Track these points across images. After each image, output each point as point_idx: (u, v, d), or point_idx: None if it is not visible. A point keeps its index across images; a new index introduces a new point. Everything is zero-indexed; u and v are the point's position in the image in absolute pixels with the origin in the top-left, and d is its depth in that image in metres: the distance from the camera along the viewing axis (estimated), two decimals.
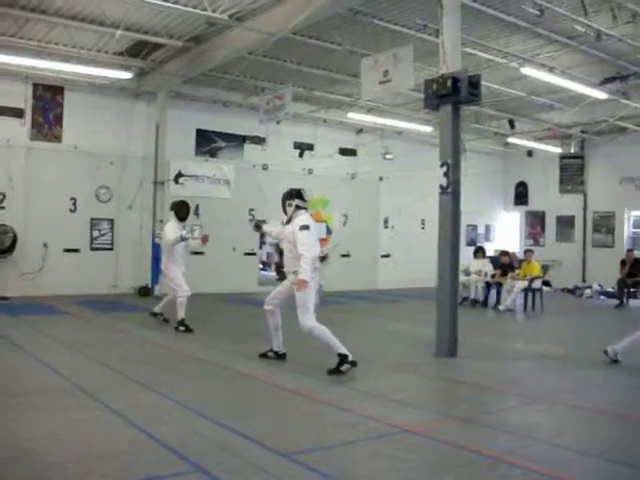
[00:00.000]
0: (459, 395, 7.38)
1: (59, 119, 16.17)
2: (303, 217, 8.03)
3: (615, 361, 8.64)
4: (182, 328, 10.82)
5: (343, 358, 7.70)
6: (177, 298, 10.92)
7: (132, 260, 17.14)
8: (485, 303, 16.40)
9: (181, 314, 10.87)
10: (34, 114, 15.86)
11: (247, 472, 4.41)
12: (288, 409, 6.30)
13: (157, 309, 11.68)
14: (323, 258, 8.39)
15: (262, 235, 9.14)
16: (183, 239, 10.94)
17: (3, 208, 15.40)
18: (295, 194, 8.24)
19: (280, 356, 8.57)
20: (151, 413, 5.83)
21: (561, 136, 22.83)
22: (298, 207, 8.15)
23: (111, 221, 17.04)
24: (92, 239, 16.80)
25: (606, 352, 8.68)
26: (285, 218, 8.29)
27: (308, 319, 7.74)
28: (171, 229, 11.01)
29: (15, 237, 15.20)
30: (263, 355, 8.64)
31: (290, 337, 8.55)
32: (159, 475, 4.33)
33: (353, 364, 7.73)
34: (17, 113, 15.61)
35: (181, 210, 11.25)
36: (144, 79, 16.54)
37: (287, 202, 8.23)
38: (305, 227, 7.82)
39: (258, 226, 9.05)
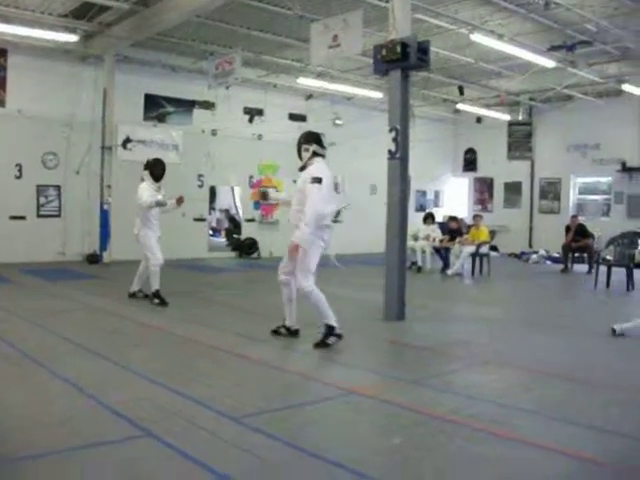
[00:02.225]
0: (406, 358, 7.50)
1: (2, 83, 15.75)
2: (317, 167, 7.31)
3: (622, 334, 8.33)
4: (156, 301, 10.21)
5: (330, 330, 7.35)
6: (150, 267, 10.26)
7: (80, 227, 16.90)
8: (444, 266, 16.50)
9: (155, 285, 10.23)
10: None
11: (197, 436, 4.44)
12: (236, 373, 6.32)
13: (134, 287, 10.84)
14: (337, 215, 7.70)
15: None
16: (159, 204, 10.21)
17: None
18: (314, 138, 7.50)
19: (293, 332, 7.89)
20: (100, 380, 5.81)
21: (509, 103, 23.06)
22: (315, 154, 7.41)
23: (58, 187, 16.75)
24: (39, 206, 16.50)
25: (614, 331, 8.35)
26: (301, 164, 7.53)
27: (306, 281, 7.26)
28: (145, 190, 10.19)
29: None
30: (275, 332, 7.96)
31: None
32: (108, 441, 4.34)
33: (339, 337, 7.38)
34: None
35: (156, 168, 10.42)
36: (90, 42, 16.17)
37: (303, 146, 7.44)
38: (317, 180, 7.08)
39: (264, 195, 8.66)
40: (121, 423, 4.67)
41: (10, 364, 6.38)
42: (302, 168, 7.45)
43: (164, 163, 10.68)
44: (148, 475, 3.83)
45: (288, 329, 7.91)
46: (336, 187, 21.92)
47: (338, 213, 7.78)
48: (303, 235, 7.04)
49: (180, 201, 10.54)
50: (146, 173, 10.46)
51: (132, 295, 10.81)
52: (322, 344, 7.32)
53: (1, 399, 5.20)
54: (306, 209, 7.04)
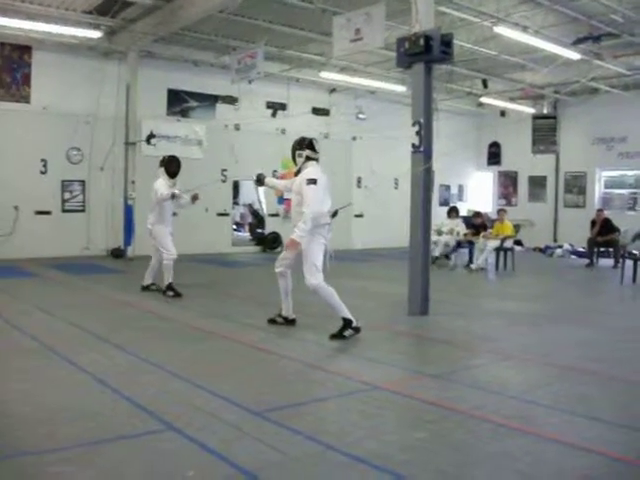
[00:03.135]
0: (430, 352, 7.47)
1: (27, 79, 15.89)
2: (311, 170, 7.66)
3: None
4: (171, 293, 10.45)
5: (347, 323, 7.51)
6: (163, 261, 10.52)
7: (104, 222, 17.01)
8: (469, 261, 16.44)
9: (169, 278, 10.48)
10: (1, 74, 15.56)
11: (219, 430, 4.45)
12: (259, 367, 6.33)
13: (146, 281, 11.07)
14: (334, 214, 7.97)
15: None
16: (174, 197, 10.42)
17: None
18: (306, 144, 7.83)
19: (289, 322, 8.19)
20: (124, 374, 5.84)
21: (534, 96, 22.86)
22: (309, 158, 7.78)
23: (83, 183, 16.86)
24: (64, 201, 16.62)
25: None
26: (295, 168, 7.93)
27: (314, 278, 7.47)
28: (162, 185, 10.46)
29: None
30: (272, 321, 8.24)
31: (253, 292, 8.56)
32: (130, 434, 4.36)
33: (357, 330, 7.54)
34: None
35: (171, 165, 10.67)
36: (114, 38, 16.24)
37: (297, 152, 7.84)
38: (312, 181, 7.46)
39: (260, 180, 8.65)
40: (144, 417, 4.69)
41: (34, 357, 6.42)
42: (297, 172, 7.84)
43: (179, 160, 10.89)
44: (170, 469, 3.83)
45: (285, 318, 8.20)
46: (358, 181, 22.01)
47: (335, 213, 7.93)
48: (300, 232, 7.32)
49: (195, 198, 10.73)
50: (161, 170, 10.70)
51: (145, 288, 11.02)
52: (339, 336, 7.46)
53: (26, 392, 5.23)
54: (304, 209, 7.37)
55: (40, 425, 4.48)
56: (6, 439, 4.18)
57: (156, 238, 10.67)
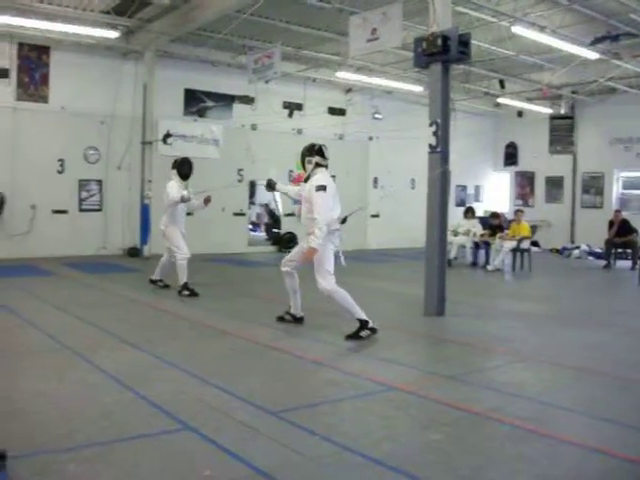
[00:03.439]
0: (446, 353, 7.44)
1: (45, 79, 15.97)
2: (320, 176, 7.69)
3: None
4: (186, 292, 10.51)
5: (363, 324, 7.55)
6: (177, 261, 10.63)
7: (121, 221, 17.07)
8: (475, 263, 16.49)
9: (183, 278, 10.57)
10: (20, 74, 15.64)
11: (235, 430, 4.46)
12: (275, 367, 6.34)
13: (155, 276, 11.28)
14: (343, 220, 8.09)
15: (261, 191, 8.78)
16: (184, 200, 10.55)
17: None
18: (316, 150, 7.86)
19: (298, 319, 8.30)
20: (140, 373, 5.86)
21: (551, 96, 22.72)
22: (318, 164, 7.80)
23: (100, 182, 16.92)
24: (80, 200, 16.69)
25: None
26: (304, 175, 7.97)
27: (328, 283, 7.53)
28: (174, 188, 10.57)
29: (3, 199, 15.10)
30: (280, 318, 8.38)
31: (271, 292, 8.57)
32: (147, 433, 4.38)
33: (373, 331, 7.57)
34: (2, 73, 15.36)
35: (183, 167, 10.82)
36: (131, 38, 16.30)
37: (306, 158, 7.86)
38: (321, 188, 7.47)
39: (271, 185, 8.67)
40: (160, 416, 4.71)
41: (52, 356, 6.46)
42: (306, 179, 7.86)
43: (191, 162, 11.06)
44: (186, 468, 3.84)
45: (293, 316, 8.32)
46: (375, 182, 21.97)
47: (345, 219, 8.03)
48: (317, 240, 7.33)
49: (207, 201, 10.83)
50: (174, 172, 10.83)
51: (152, 282, 11.26)
52: (355, 336, 7.50)
53: (44, 391, 5.27)
54: (316, 215, 7.40)
55: (58, 424, 4.50)
56: (25, 438, 4.20)
57: (169, 239, 10.81)
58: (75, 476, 3.69)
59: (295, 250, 8.17)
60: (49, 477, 3.67)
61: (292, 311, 8.32)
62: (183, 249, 10.66)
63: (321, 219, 7.34)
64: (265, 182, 8.84)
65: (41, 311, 8.97)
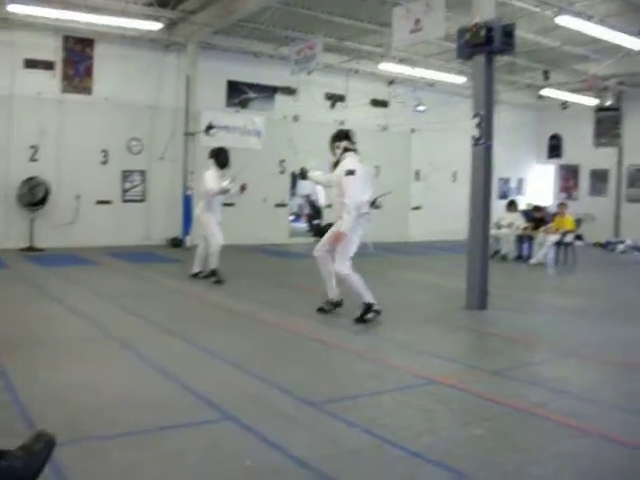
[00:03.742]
0: (489, 347, 7.38)
1: (89, 71, 16.15)
2: (349, 160, 7.85)
3: None
4: (213, 279, 10.74)
5: (368, 307, 7.79)
6: (210, 247, 10.80)
7: (164, 211, 17.21)
8: (520, 257, 16.30)
9: (213, 264, 10.78)
10: (65, 66, 15.83)
11: (276, 420, 4.47)
12: (317, 359, 6.35)
13: (195, 269, 11.31)
14: (373, 203, 8.18)
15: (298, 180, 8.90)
16: (223, 192, 10.75)
17: (36, 161, 15.48)
18: (343, 135, 8.06)
19: (336, 305, 8.36)
20: (182, 362, 5.91)
21: (597, 88, 22.34)
22: (346, 149, 7.96)
23: (142, 173, 17.09)
24: (124, 191, 16.87)
25: None
26: (333, 160, 8.14)
27: (344, 266, 7.75)
28: (211, 178, 10.72)
29: (48, 189, 15.31)
30: (320, 309, 8.38)
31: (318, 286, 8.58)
32: (188, 422, 4.41)
33: (377, 312, 7.81)
34: (48, 66, 15.58)
35: (220, 156, 10.96)
36: (174, 30, 16.40)
37: (335, 144, 8.05)
38: (350, 172, 7.64)
39: (303, 173, 8.78)
40: (202, 406, 4.74)
41: (96, 345, 6.54)
42: (336, 164, 8.04)
43: (227, 152, 11.21)
44: (227, 458, 3.86)
45: (331, 302, 8.38)
46: (417, 174, 21.86)
47: (374, 202, 8.13)
48: (346, 224, 7.56)
49: (243, 189, 10.92)
50: (211, 162, 10.99)
51: (194, 276, 11.28)
52: (361, 320, 7.77)
53: (91, 379, 5.33)
54: (345, 200, 7.58)
55: (102, 412, 4.56)
56: (70, 425, 4.26)
57: (203, 226, 11.01)
58: (119, 463, 3.73)
59: (328, 235, 8.22)
60: (95, 464, 3.72)
61: (330, 296, 8.37)
62: (217, 236, 10.79)
63: (350, 202, 7.54)
64: (298, 171, 8.94)
65: (85, 300, 9.08)
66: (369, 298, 7.82)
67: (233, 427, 4.33)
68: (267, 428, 4.28)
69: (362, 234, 7.94)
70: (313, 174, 8.81)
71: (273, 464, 3.81)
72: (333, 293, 8.35)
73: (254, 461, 3.80)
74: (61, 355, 6.13)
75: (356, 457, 3.93)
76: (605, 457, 4.06)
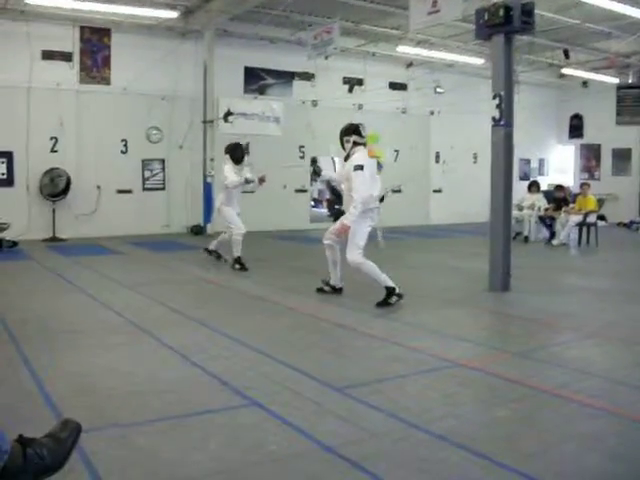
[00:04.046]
0: (512, 329, 7.35)
1: (107, 61, 16.19)
2: (358, 155, 7.97)
3: None
4: (237, 266, 10.92)
5: (391, 291, 7.87)
6: (232, 236, 11.01)
7: (184, 199, 17.29)
8: (543, 238, 16.16)
9: (237, 252, 10.98)
10: (82, 57, 15.89)
11: (300, 405, 4.47)
12: (340, 343, 6.35)
13: (212, 246, 11.80)
14: (382, 199, 8.32)
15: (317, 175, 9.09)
16: (248, 182, 11.00)
17: (56, 152, 15.58)
18: (352, 130, 8.17)
19: (337, 290, 8.65)
20: (205, 349, 5.93)
21: (619, 65, 22.08)
22: (356, 143, 8.09)
23: (162, 161, 17.15)
24: (144, 180, 16.95)
25: None
26: (344, 154, 8.25)
27: (356, 255, 7.87)
28: (231, 172, 10.98)
29: (69, 180, 15.40)
30: (320, 290, 8.73)
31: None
32: (214, 409, 4.43)
33: (400, 296, 7.88)
34: (66, 57, 15.65)
35: (236, 152, 11.20)
36: (190, 18, 16.39)
37: (345, 138, 8.17)
38: (359, 167, 7.77)
39: (317, 172, 9.00)
40: (226, 392, 4.76)
41: (120, 333, 6.58)
42: (346, 158, 8.17)
43: (242, 146, 11.52)
44: (252, 443, 3.87)
45: (333, 287, 8.68)
46: (437, 156, 21.77)
47: (383, 197, 8.32)
48: (351, 217, 7.72)
49: (262, 180, 11.14)
50: (227, 157, 11.22)
51: (207, 251, 11.89)
52: (384, 303, 7.84)
53: (116, 366, 5.38)
54: (353, 194, 7.73)
55: (127, 399, 4.59)
56: (95, 412, 4.29)
57: (224, 217, 11.28)
58: (146, 449, 3.76)
59: (334, 226, 8.40)
60: (121, 450, 3.75)
61: (332, 282, 8.66)
62: (239, 224, 11.05)
63: (357, 197, 7.66)
64: (311, 169, 9.11)
65: (108, 289, 9.15)
66: (389, 282, 7.88)
67: (257, 413, 4.34)
68: (291, 413, 4.30)
69: (372, 225, 8.13)
70: (326, 172, 9.12)
71: (298, 449, 3.81)
72: (335, 279, 8.65)
73: (279, 446, 3.82)
74: (86, 343, 6.17)
75: (381, 441, 3.92)
76: (630, 437, 4.04)
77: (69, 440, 3.24)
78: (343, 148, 8.22)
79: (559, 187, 17.38)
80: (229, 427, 4.12)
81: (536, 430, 4.13)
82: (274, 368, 5.35)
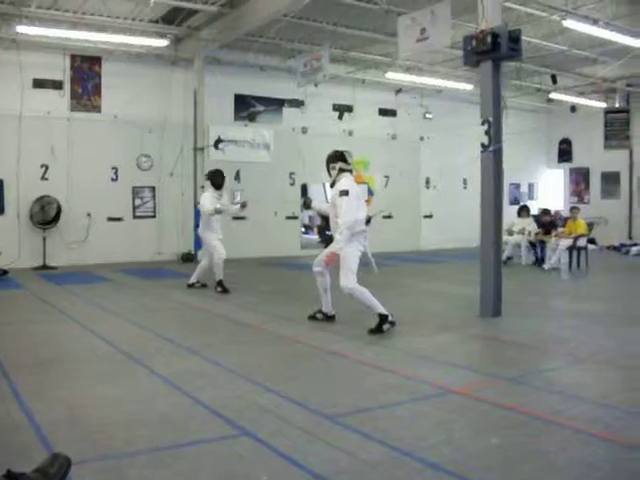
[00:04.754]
0: (504, 355, 7.32)
1: (98, 89, 16.25)
2: (344, 181, 8.04)
3: None
4: (219, 289, 11.29)
5: (383, 318, 7.83)
6: (214, 260, 11.32)
7: (175, 227, 17.28)
8: (537, 260, 16.17)
9: (219, 275, 11.33)
10: (73, 85, 15.96)
11: (291, 435, 4.44)
12: (331, 371, 6.32)
13: (192, 279, 11.98)
14: (367, 221, 8.33)
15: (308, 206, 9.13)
16: (217, 212, 11.21)
17: (46, 179, 15.60)
18: (338, 157, 8.27)
19: (329, 318, 8.63)
20: (196, 378, 5.89)
21: (606, 90, 22.28)
22: (342, 170, 8.17)
23: (153, 189, 17.16)
24: (135, 207, 16.95)
25: None
26: (330, 181, 8.35)
27: (349, 281, 7.83)
28: (207, 199, 11.32)
29: (59, 207, 15.40)
30: (312, 317, 8.72)
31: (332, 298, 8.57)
32: (205, 439, 4.38)
33: (392, 324, 7.85)
34: (56, 85, 15.72)
35: (216, 178, 11.49)
36: (180, 46, 16.51)
37: (330, 165, 8.28)
38: (344, 192, 7.82)
39: (307, 204, 9.08)
40: (217, 421, 4.72)
41: (111, 362, 6.54)
42: (332, 184, 8.29)
43: (223, 173, 11.75)
44: (243, 473, 3.83)
45: (325, 314, 8.67)
46: (427, 182, 21.84)
47: (369, 220, 8.35)
48: (338, 244, 7.78)
49: (243, 206, 11.58)
50: (207, 183, 11.68)
51: (190, 286, 11.93)
52: (377, 330, 7.82)
53: (104, 396, 5.33)
54: (338, 220, 7.80)
55: (118, 429, 4.55)
56: (86, 442, 4.24)
57: (206, 242, 11.64)
58: None
59: (325, 251, 8.42)
60: None
61: (323, 309, 8.66)
62: (219, 249, 11.37)
63: (342, 223, 7.70)
64: (302, 202, 9.20)
65: (99, 317, 9.11)
66: (382, 309, 7.85)
67: (249, 442, 4.30)
68: (283, 443, 4.26)
69: (362, 249, 8.08)
70: (316, 204, 9.14)
71: (290, 479, 3.78)
72: (327, 307, 8.65)
73: (270, 477, 3.78)
74: (75, 373, 6.12)
75: (374, 470, 3.89)
76: (627, 465, 4.01)
77: (58, 475, 3.21)
78: (329, 175, 8.33)
79: (545, 211, 17.47)
80: (221, 457, 4.08)
81: (531, 457, 4.10)
82: (265, 396, 5.31)
